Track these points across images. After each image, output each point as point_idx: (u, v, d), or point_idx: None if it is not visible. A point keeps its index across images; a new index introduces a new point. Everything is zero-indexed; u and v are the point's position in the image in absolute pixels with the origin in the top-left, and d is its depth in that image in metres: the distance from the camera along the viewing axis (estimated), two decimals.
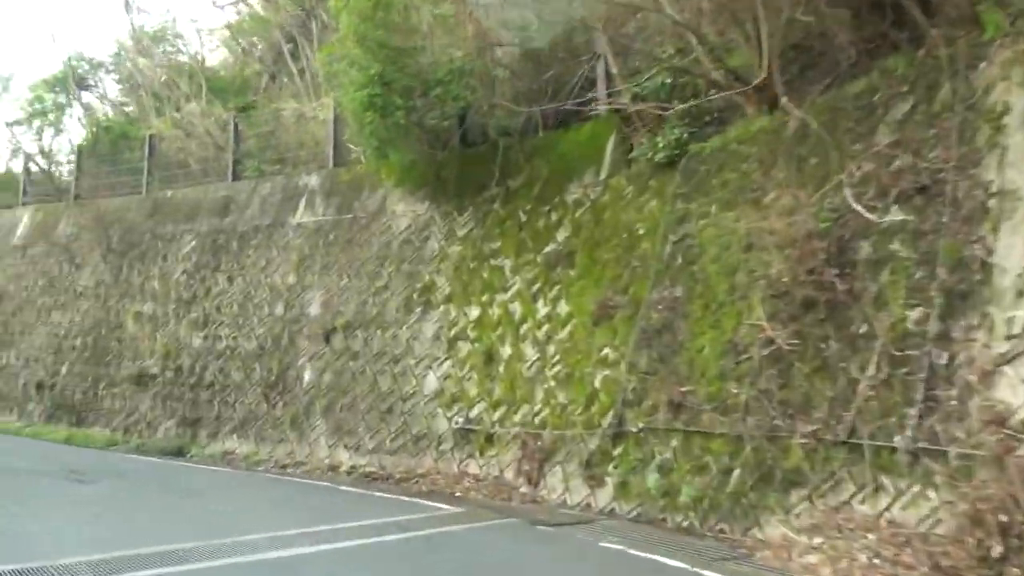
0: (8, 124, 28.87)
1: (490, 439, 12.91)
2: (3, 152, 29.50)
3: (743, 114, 12.05)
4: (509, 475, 12.40)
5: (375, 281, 15.78)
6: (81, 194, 24.33)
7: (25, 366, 22.13)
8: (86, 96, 29.27)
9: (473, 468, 12.95)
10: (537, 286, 13.35)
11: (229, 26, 27.98)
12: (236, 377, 17.33)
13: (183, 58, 28.20)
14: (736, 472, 9.67)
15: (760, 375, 9.81)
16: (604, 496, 11.00)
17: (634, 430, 10.87)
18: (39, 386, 21.24)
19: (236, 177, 20.51)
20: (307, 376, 16.05)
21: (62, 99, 28.44)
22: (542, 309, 13.11)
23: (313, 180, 18.36)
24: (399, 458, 13.96)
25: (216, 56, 29.16)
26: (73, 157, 26.19)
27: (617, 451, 11.06)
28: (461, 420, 13.33)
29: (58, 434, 19.25)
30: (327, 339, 15.97)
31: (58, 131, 28.58)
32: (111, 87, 29.94)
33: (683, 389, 10.49)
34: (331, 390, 15.49)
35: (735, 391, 9.98)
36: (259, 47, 27.22)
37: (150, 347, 19.20)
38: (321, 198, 17.88)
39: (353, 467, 14.42)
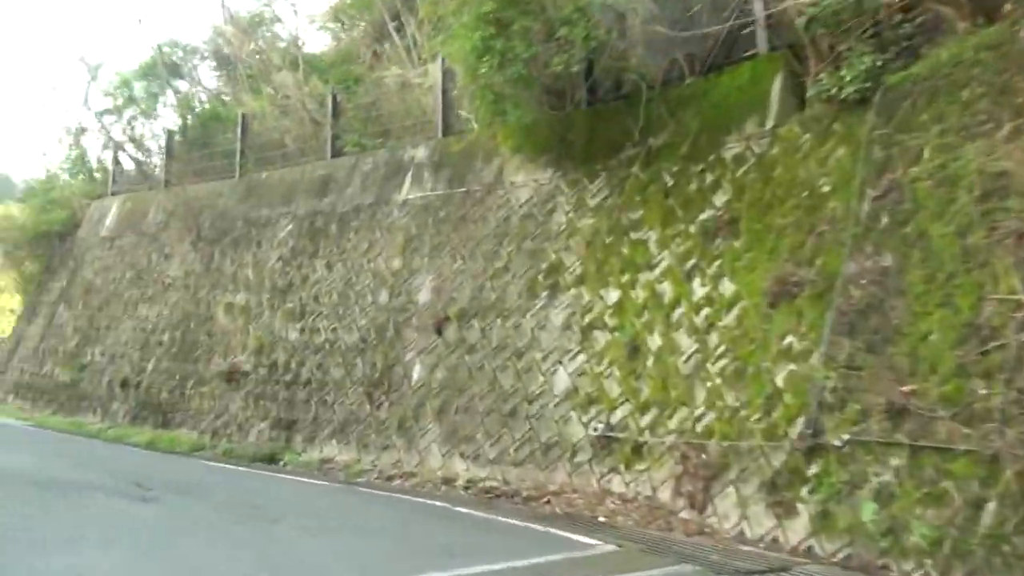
0: (98, 114, 27.63)
1: (638, 450, 10.51)
2: (94, 142, 28.08)
3: (952, 31, 9.48)
4: (665, 496, 9.98)
5: (493, 262, 13.57)
6: (171, 180, 23.01)
7: (110, 363, 20.79)
8: (179, 83, 27.94)
9: (618, 485, 10.57)
10: (691, 262, 10.92)
11: (332, 8, 26.36)
12: (336, 374, 15.34)
13: (281, 44, 26.66)
14: (990, 505, 7.04)
15: (1020, 369, 7.21)
16: (797, 529, 8.45)
17: (836, 443, 8.30)
18: (124, 384, 19.83)
19: (335, 154, 18.64)
20: (416, 373, 13.94)
21: (154, 87, 27.07)
22: (699, 289, 10.68)
23: (420, 152, 16.27)
24: (525, 471, 11.71)
25: (316, 41, 27.75)
26: (163, 143, 24.95)
27: (813, 470, 8.51)
28: (601, 426, 10.97)
29: (141, 437, 17.63)
30: (439, 330, 13.82)
31: (150, 119, 27.31)
32: (205, 73, 28.68)
33: (905, 389, 7.89)
34: (444, 389, 13.35)
35: (983, 392, 7.37)
36: (361, 26, 25.50)
37: (242, 341, 17.43)
38: (429, 172, 15.78)
39: (471, 481, 12.21)
